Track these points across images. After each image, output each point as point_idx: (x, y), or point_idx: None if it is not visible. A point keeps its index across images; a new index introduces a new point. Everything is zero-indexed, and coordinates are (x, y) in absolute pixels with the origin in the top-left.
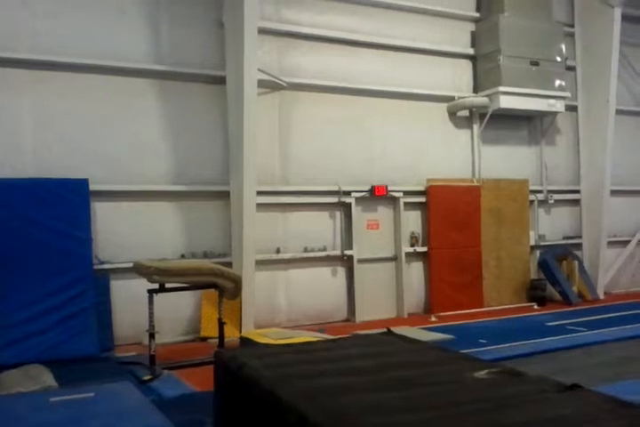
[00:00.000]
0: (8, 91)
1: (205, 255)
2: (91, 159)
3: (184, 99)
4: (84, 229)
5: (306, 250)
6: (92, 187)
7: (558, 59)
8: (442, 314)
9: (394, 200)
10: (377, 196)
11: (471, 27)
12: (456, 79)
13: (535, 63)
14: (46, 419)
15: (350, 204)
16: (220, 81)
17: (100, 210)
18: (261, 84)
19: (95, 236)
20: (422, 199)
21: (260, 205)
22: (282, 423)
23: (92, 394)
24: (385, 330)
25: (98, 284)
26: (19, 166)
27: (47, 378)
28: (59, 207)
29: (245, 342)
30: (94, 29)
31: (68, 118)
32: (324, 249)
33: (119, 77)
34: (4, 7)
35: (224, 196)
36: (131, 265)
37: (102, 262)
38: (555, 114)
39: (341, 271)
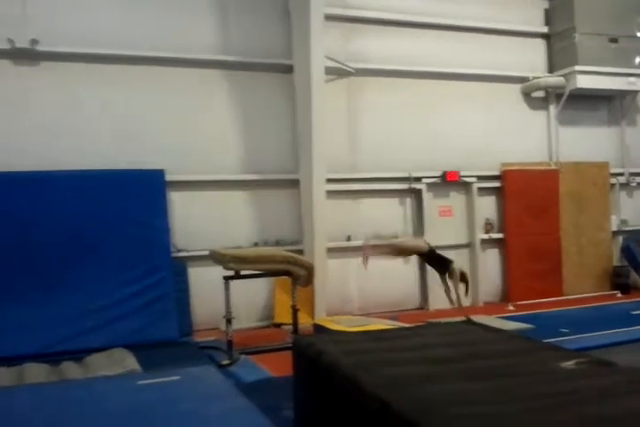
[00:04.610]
0: (87, 85)
1: (277, 243)
2: (166, 150)
3: (253, 88)
4: (161, 218)
5: (376, 237)
6: (168, 177)
7: (638, 34)
8: (519, 303)
9: (467, 186)
10: (449, 181)
11: (544, 4)
12: (530, 59)
13: (614, 40)
14: (134, 401)
15: (421, 190)
16: (288, 69)
17: (176, 199)
18: (328, 70)
19: (172, 225)
20: (497, 184)
21: (329, 193)
22: (364, 411)
23: (177, 377)
24: (464, 319)
25: (176, 271)
26: (98, 158)
27: (131, 362)
28: (137, 198)
29: (318, 328)
30: (165, 22)
31: (144, 110)
32: (395, 236)
33: (190, 69)
34: (82, 3)
35: (294, 184)
36: (207, 253)
37: (179, 250)
38: (636, 93)
39: (414, 259)
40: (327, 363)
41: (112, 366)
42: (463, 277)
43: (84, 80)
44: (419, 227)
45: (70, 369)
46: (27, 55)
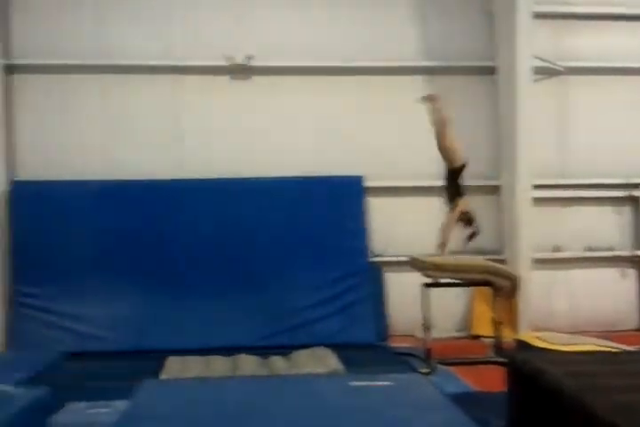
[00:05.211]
0: (288, 95)
1: (477, 252)
2: (365, 156)
3: (452, 92)
4: (359, 223)
5: (588, 249)
6: (367, 183)
7: None
8: None
9: None
10: None
11: None
12: None
13: None
14: (348, 402)
15: None
16: (489, 71)
17: (373, 205)
18: (536, 70)
19: (369, 230)
20: None
21: (535, 200)
22: None
23: (388, 383)
24: None
25: (373, 275)
26: (300, 165)
27: (333, 361)
28: (337, 203)
29: (521, 344)
30: (365, 31)
31: (344, 118)
32: (611, 249)
33: (388, 76)
34: (290, 18)
35: (495, 190)
36: (403, 258)
37: (376, 255)
38: None
39: (632, 274)
40: (549, 383)
41: (316, 363)
42: (466, 218)
43: (289, 92)
44: (638, 239)
45: (278, 363)
46: (242, 70)
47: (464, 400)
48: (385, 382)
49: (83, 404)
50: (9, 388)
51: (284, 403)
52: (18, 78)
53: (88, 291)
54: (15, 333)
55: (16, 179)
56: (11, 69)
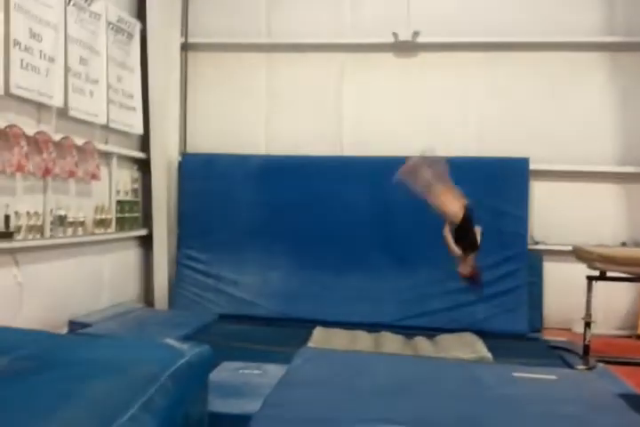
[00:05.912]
0: (454, 72)
1: None
2: (532, 138)
3: (636, 71)
4: (521, 208)
5: None
6: (532, 166)
7: None
8: None
9: None
10: None
11: None
12: None
13: None
14: (512, 392)
15: None
16: None
17: (537, 189)
18: None
19: (531, 215)
20: None
21: None
22: None
23: (553, 377)
24: None
25: (531, 263)
26: (464, 145)
27: (480, 348)
28: (498, 186)
29: None
30: (541, 2)
31: (511, 97)
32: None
33: (567, 53)
34: None
35: None
36: (565, 248)
37: (537, 243)
38: None
39: None
40: None
41: (463, 349)
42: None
43: (456, 68)
44: None
45: (423, 344)
46: (408, 47)
47: (630, 403)
48: (549, 376)
49: (236, 364)
50: (175, 342)
51: (442, 386)
52: (192, 56)
53: (246, 258)
54: (176, 292)
55: (185, 151)
56: (186, 47)
